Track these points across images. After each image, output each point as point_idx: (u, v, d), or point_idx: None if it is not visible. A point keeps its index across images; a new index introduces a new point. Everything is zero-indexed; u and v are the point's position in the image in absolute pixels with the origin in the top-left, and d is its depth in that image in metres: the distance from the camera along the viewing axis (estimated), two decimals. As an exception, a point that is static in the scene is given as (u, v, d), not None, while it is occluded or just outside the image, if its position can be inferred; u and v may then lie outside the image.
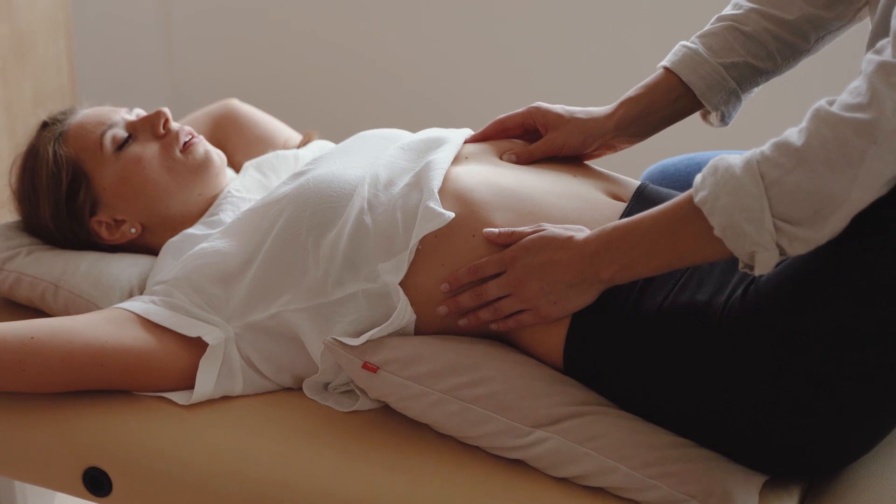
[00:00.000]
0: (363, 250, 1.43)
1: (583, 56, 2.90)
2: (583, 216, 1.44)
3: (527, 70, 2.98)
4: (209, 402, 1.48)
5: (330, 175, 1.51)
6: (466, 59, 3.04)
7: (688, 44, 1.58)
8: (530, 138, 1.63)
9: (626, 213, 1.45)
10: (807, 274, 1.23)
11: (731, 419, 1.29)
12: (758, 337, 1.26)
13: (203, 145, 1.74)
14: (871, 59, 1.12)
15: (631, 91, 1.60)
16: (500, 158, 1.58)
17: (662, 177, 1.77)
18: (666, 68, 1.59)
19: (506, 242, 1.40)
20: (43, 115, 1.79)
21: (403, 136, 1.63)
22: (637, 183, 1.58)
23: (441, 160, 1.49)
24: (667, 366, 1.32)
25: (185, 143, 1.71)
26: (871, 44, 1.34)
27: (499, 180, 1.49)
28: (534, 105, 1.62)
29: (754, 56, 1.56)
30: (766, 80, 1.59)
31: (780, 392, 1.25)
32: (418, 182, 1.46)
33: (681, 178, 1.74)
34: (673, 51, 1.59)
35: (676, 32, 1.83)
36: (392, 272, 1.41)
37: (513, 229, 1.41)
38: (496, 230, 1.41)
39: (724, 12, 1.59)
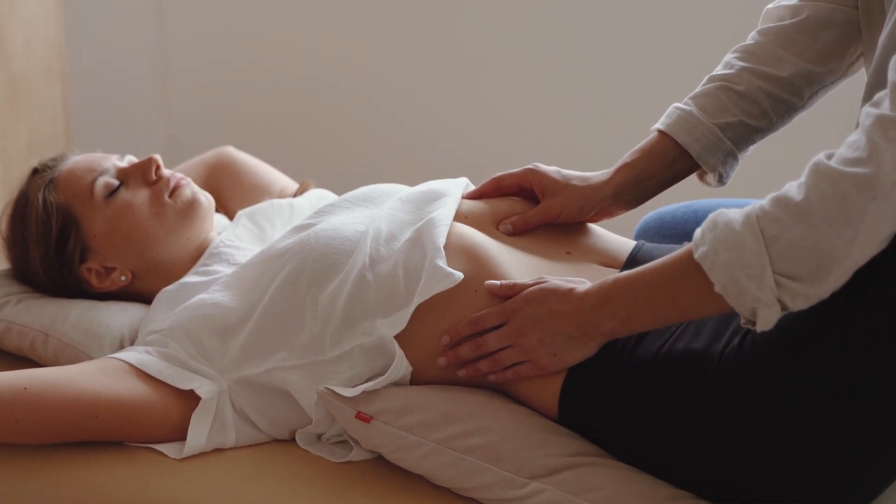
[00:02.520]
0: (363, 306, 1.43)
1: (583, 108, 2.92)
2: None
3: (523, 120, 2.99)
4: (201, 453, 1.46)
5: (332, 230, 1.51)
6: (465, 107, 3.05)
7: (681, 105, 1.58)
8: (526, 197, 1.63)
9: None
10: (804, 323, 1.23)
11: (729, 470, 1.29)
12: (755, 386, 1.26)
13: (190, 187, 1.73)
14: (869, 112, 1.13)
15: (626, 156, 1.59)
16: (497, 227, 1.56)
17: (660, 225, 1.77)
18: (660, 131, 1.58)
19: (507, 294, 1.40)
20: (36, 162, 1.79)
21: (403, 190, 1.63)
22: (632, 244, 1.58)
23: (443, 216, 1.49)
24: (663, 415, 1.32)
25: (173, 187, 1.71)
26: (868, 95, 1.34)
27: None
28: (530, 167, 1.61)
29: (748, 115, 1.56)
30: (762, 137, 1.59)
31: (777, 442, 1.25)
32: (420, 238, 1.46)
33: (678, 227, 1.74)
34: (666, 113, 1.59)
35: (672, 91, 1.83)
36: (389, 326, 1.41)
37: (514, 281, 1.41)
38: (497, 282, 1.41)
39: (715, 72, 1.59)
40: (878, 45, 1.32)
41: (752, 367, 1.26)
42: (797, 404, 1.23)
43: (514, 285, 1.40)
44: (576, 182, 1.59)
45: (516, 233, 1.56)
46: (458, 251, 1.45)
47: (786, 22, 1.55)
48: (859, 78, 1.48)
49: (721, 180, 1.60)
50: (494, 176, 1.63)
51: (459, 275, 1.40)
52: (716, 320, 1.33)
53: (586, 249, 1.56)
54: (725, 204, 1.63)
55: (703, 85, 1.59)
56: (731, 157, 1.58)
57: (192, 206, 1.72)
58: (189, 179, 1.75)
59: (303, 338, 1.44)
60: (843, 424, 1.22)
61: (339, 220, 1.54)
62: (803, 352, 1.23)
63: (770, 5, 1.59)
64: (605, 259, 1.54)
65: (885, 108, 1.11)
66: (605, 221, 1.64)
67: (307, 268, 1.47)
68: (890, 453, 1.23)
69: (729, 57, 1.59)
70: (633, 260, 1.51)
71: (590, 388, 1.37)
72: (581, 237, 1.59)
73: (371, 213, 1.55)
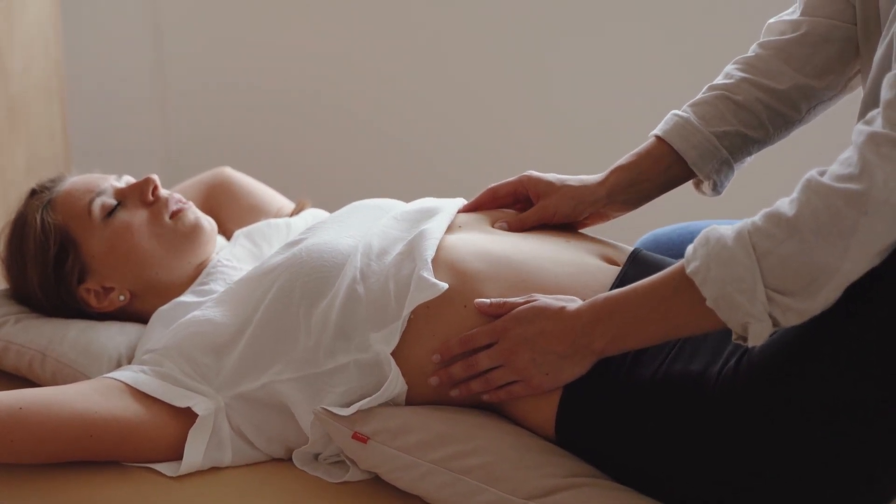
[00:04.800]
0: (355, 320, 1.43)
1: (580, 123, 2.92)
2: (576, 281, 1.43)
3: (522, 137, 2.99)
4: (198, 472, 1.46)
5: (323, 244, 1.51)
6: (462, 127, 3.05)
7: (679, 112, 1.59)
8: (522, 207, 1.63)
9: (620, 277, 1.45)
10: (800, 343, 1.23)
11: (728, 490, 1.28)
12: (752, 406, 1.25)
13: (193, 212, 1.74)
14: (861, 129, 1.13)
15: (622, 159, 1.60)
16: (493, 227, 1.57)
17: (655, 246, 1.77)
18: (657, 137, 1.59)
19: (497, 313, 1.39)
20: (34, 183, 1.79)
21: (397, 206, 1.64)
22: (630, 248, 1.57)
23: (434, 230, 1.49)
24: (660, 437, 1.31)
25: (175, 210, 1.71)
26: (862, 113, 1.34)
27: (492, 249, 1.49)
28: (525, 174, 1.62)
29: (746, 125, 1.56)
30: (759, 149, 1.60)
31: (775, 461, 1.25)
32: (411, 251, 1.46)
33: (674, 248, 1.73)
34: (664, 119, 1.60)
35: (671, 101, 1.84)
36: (383, 342, 1.41)
37: (504, 300, 1.40)
38: (487, 301, 1.41)
39: (715, 81, 1.60)
40: (874, 63, 1.32)
41: (749, 388, 1.26)
42: (794, 423, 1.23)
43: (504, 304, 1.40)
44: (571, 183, 1.60)
45: (512, 231, 1.56)
46: (447, 266, 1.45)
47: (786, 36, 1.56)
48: (859, 97, 1.48)
49: (716, 189, 1.61)
50: (489, 187, 1.64)
51: (444, 285, 1.40)
52: (713, 341, 1.32)
53: (587, 241, 1.57)
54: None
55: (703, 93, 1.60)
56: (726, 165, 1.58)
57: (194, 230, 1.72)
58: (191, 203, 1.75)
59: (297, 351, 1.44)
60: (840, 441, 1.21)
61: (330, 235, 1.54)
62: (799, 370, 1.23)
63: (772, 19, 1.60)
64: (606, 254, 1.54)
65: (878, 126, 1.12)
66: (601, 229, 1.64)
67: (299, 282, 1.47)
68: (887, 469, 1.23)
69: (729, 68, 1.60)
70: (635, 259, 1.51)
71: (586, 409, 1.36)
72: (580, 235, 1.60)
73: (363, 229, 1.55)
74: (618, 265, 1.51)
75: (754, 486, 1.27)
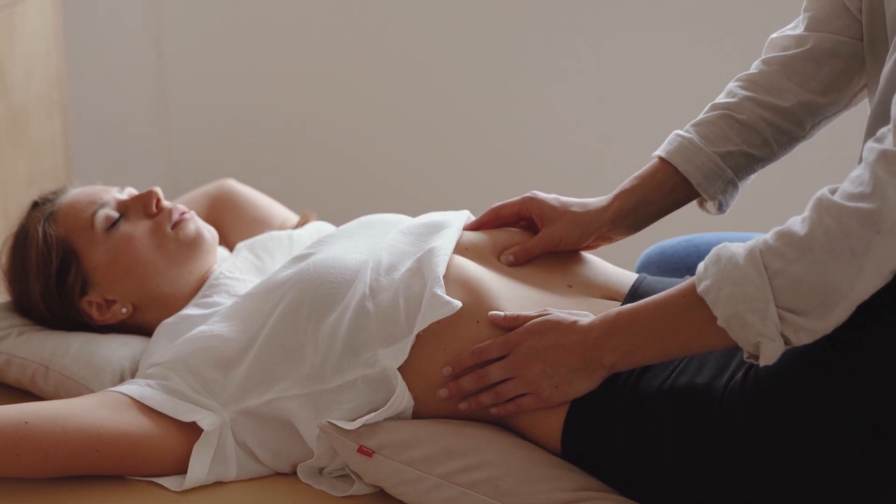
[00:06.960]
0: (364, 336, 1.43)
1: (581, 138, 2.92)
2: None
3: (523, 153, 3.00)
4: (202, 487, 1.46)
5: (331, 260, 1.51)
6: (466, 140, 3.05)
7: (682, 133, 1.58)
8: (525, 225, 1.63)
9: None
10: (808, 357, 1.24)
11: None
12: (759, 421, 1.26)
13: (195, 222, 1.73)
14: (872, 147, 1.13)
15: (626, 182, 1.59)
16: (498, 258, 1.56)
17: (661, 259, 1.77)
18: (661, 158, 1.58)
19: (510, 326, 1.40)
20: (36, 196, 1.79)
21: (403, 220, 1.63)
22: (633, 276, 1.57)
23: (443, 247, 1.49)
24: (666, 451, 1.32)
25: (177, 220, 1.71)
26: (870, 129, 1.34)
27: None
28: (529, 195, 1.61)
29: (750, 144, 1.56)
30: (763, 166, 1.59)
31: (782, 480, 1.25)
32: (420, 268, 1.46)
33: (679, 261, 1.73)
34: (667, 140, 1.58)
35: (672, 115, 1.84)
36: (392, 358, 1.41)
37: (518, 313, 1.40)
38: (501, 313, 1.41)
39: (718, 100, 1.59)
40: (881, 80, 1.32)
41: (756, 401, 1.26)
42: (802, 437, 1.23)
43: (518, 317, 1.40)
44: (575, 208, 1.58)
45: (518, 263, 1.55)
46: (458, 283, 1.45)
47: (790, 52, 1.55)
48: (863, 110, 1.48)
49: (721, 208, 1.60)
50: (493, 206, 1.63)
51: (458, 303, 1.40)
52: (719, 354, 1.33)
53: (587, 282, 1.56)
54: (727, 238, 1.62)
55: (706, 113, 1.58)
56: (731, 185, 1.57)
57: (195, 240, 1.72)
58: (193, 213, 1.75)
59: (304, 368, 1.44)
60: (848, 455, 1.22)
61: (339, 250, 1.54)
62: (806, 384, 1.23)
63: (775, 34, 1.59)
64: (607, 292, 1.54)
65: (889, 144, 1.12)
66: (607, 254, 1.64)
67: (307, 298, 1.47)
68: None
69: (732, 85, 1.59)
70: (635, 293, 1.51)
71: (592, 423, 1.36)
72: (582, 269, 1.58)
73: (371, 243, 1.55)
74: (618, 300, 1.51)
75: (761, 500, 1.27)
